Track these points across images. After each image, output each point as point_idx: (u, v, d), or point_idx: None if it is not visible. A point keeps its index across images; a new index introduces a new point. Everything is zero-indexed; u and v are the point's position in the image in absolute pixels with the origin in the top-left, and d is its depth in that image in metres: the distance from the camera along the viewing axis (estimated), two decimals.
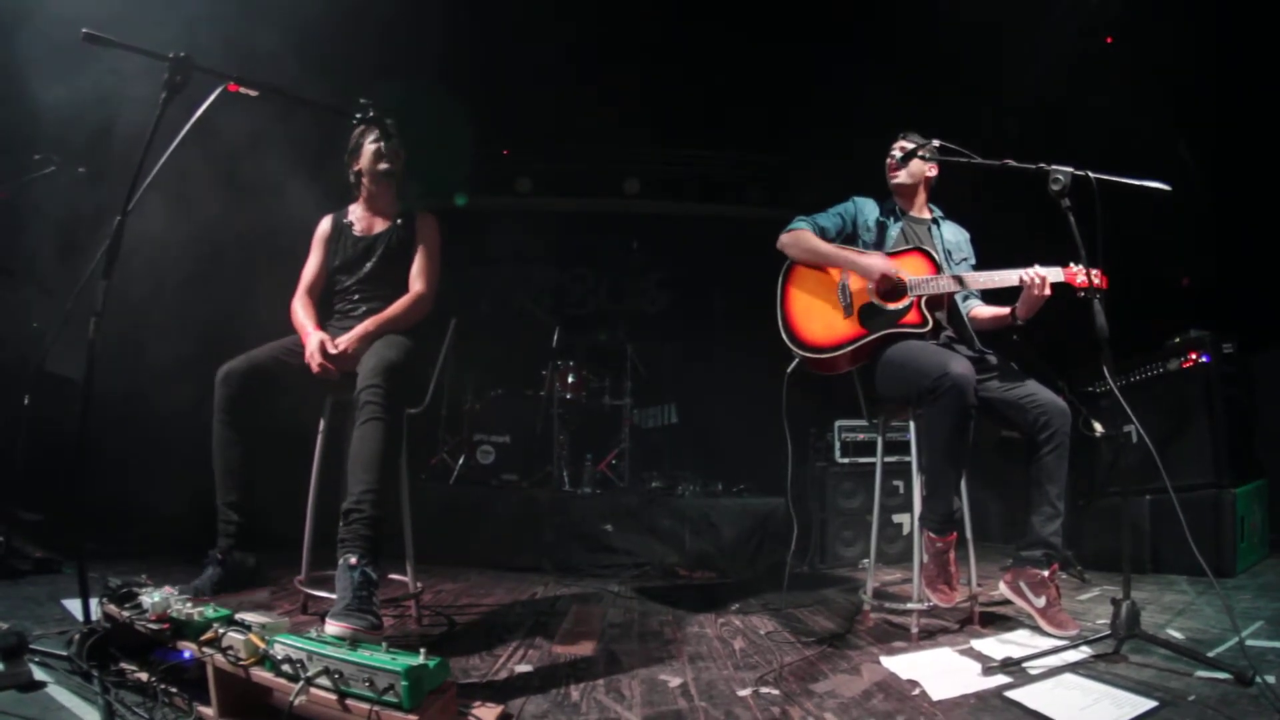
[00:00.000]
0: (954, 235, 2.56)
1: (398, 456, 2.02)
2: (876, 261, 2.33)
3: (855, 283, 2.38)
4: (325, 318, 2.36)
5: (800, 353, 2.36)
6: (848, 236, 2.52)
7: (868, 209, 2.54)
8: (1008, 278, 2.26)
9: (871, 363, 2.32)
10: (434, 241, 2.45)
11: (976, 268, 2.51)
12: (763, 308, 2.49)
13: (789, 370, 2.47)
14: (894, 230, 2.48)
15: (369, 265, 2.39)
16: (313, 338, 2.16)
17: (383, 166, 2.39)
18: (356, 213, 2.48)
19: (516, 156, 5.90)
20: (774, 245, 2.52)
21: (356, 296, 2.38)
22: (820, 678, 1.80)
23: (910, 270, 2.35)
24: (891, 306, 2.31)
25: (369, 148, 2.38)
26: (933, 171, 2.53)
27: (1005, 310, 2.34)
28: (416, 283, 2.38)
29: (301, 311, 2.31)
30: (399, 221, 2.45)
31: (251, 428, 2.12)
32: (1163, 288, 3.83)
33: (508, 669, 1.83)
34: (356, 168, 2.43)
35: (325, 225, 2.48)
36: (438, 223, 2.50)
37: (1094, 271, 2.00)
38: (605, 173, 5.93)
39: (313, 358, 2.12)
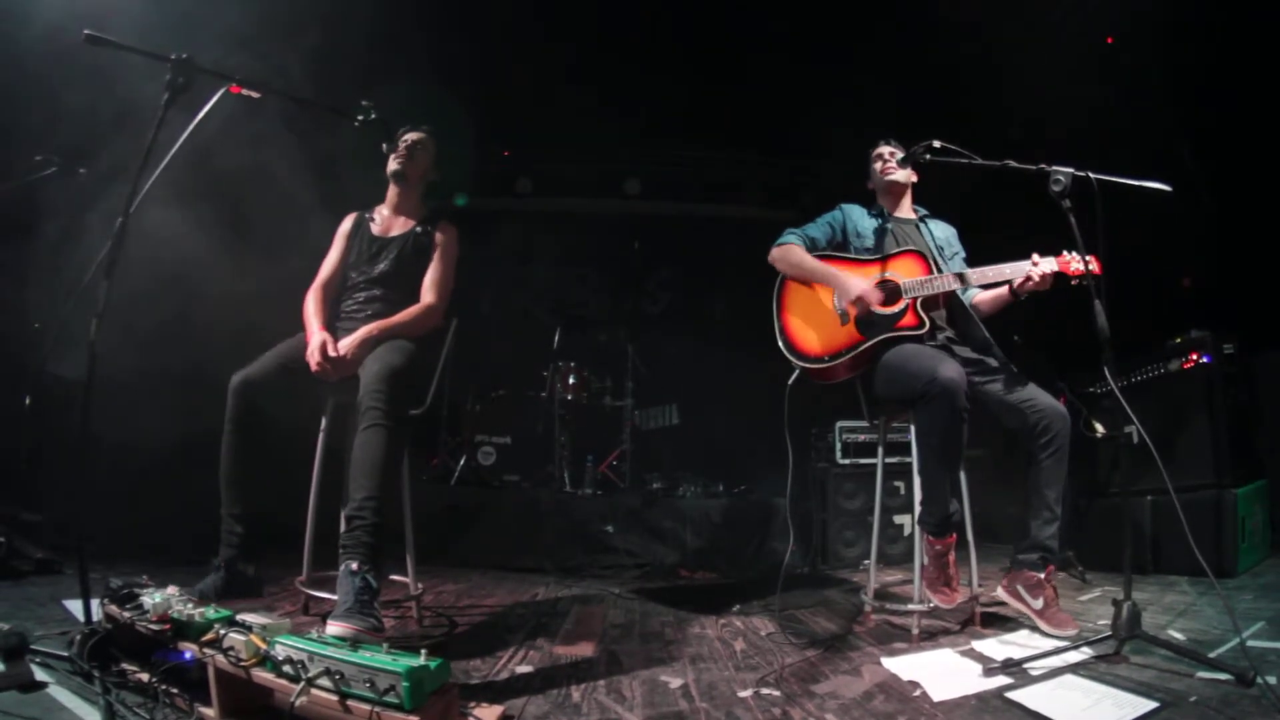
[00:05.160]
0: (942, 232, 2.58)
1: (399, 462, 2.01)
2: (856, 283, 2.32)
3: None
4: (334, 316, 2.34)
5: (800, 364, 2.37)
6: (838, 244, 2.52)
7: (856, 215, 2.55)
8: (1002, 271, 2.29)
9: (871, 368, 2.32)
10: (452, 254, 2.43)
11: (967, 260, 2.54)
12: (764, 308, 2.49)
13: (790, 382, 2.46)
14: (886, 233, 2.49)
15: (381, 266, 2.38)
16: (316, 337, 2.16)
17: (392, 166, 2.43)
18: (380, 212, 2.50)
19: (517, 157, 5.90)
20: (774, 244, 2.52)
21: (363, 297, 2.35)
22: (821, 679, 1.80)
23: (904, 272, 2.36)
24: (887, 311, 2.32)
25: (390, 152, 2.42)
26: (914, 177, 2.57)
27: (1004, 289, 2.36)
28: (428, 294, 2.35)
29: (312, 307, 2.30)
30: (419, 229, 2.43)
31: (260, 439, 2.12)
32: (1163, 288, 3.82)
33: (509, 670, 1.83)
34: (386, 174, 2.48)
35: (347, 222, 2.50)
36: (458, 235, 2.47)
37: (1089, 258, 2.01)
38: (606, 173, 5.92)
39: (312, 356, 2.11)
